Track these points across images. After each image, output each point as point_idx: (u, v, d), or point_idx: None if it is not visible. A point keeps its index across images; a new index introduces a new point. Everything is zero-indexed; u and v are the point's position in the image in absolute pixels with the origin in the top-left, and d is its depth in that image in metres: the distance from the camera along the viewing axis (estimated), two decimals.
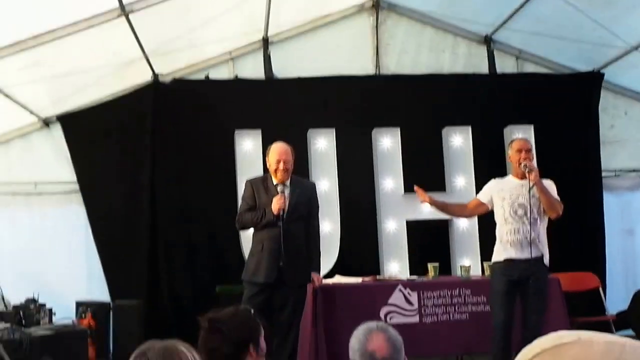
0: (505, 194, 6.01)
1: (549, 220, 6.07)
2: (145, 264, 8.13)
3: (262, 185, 6.13)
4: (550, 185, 6.08)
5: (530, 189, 5.89)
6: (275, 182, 6.08)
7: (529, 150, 6.07)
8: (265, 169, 6.55)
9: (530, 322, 5.83)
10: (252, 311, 3.37)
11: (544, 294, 5.96)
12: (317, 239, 6.25)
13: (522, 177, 5.98)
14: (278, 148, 6.09)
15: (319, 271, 6.31)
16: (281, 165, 6.01)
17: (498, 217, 6.08)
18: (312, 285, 6.28)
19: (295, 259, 5.97)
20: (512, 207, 5.93)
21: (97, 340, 7.38)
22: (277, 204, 5.90)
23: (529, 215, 5.87)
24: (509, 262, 5.91)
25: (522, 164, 5.93)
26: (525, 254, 5.85)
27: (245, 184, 6.29)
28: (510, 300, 5.95)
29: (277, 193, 6.00)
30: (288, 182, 6.10)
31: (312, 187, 6.43)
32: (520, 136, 6.42)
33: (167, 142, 8.36)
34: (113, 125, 8.33)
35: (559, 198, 6.03)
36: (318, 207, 6.33)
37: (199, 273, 8.20)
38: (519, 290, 5.94)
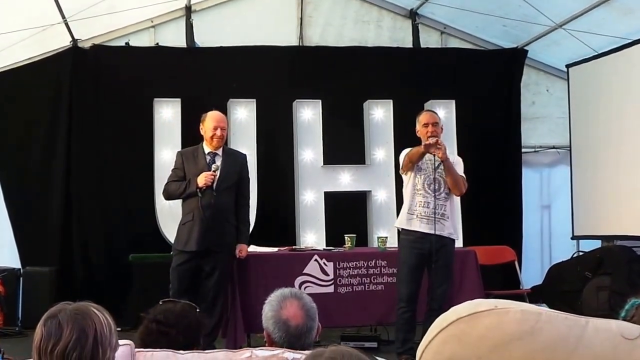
0: (422, 165, 5.94)
1: (467, 194, 6.11)
2: (58, 232, 8.03)
3: (191, 156, 6.20)
4: (458, 162, 6.07)
5: (437, 167, 5.86)
6: (207, 150, 6.14)
7: (435, 124, 5.95)
8: (189, 140, 6.58)
9: (436, 292, 5.87)
10: (198, 309, 3.27)
11: (451, 266, 6.02)
12: (246, 210, 6.39)
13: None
14: (215, 115, 6.20)
15: (246, 242, 6.40)
16: (218, 132, 6.11)
17: (409, 187, 6.01)
18: (238, 255, 6.29)
19: (223, 228, 6.10)
20: (427, 181, 5.89)
21: (6, 307, 7.34)
22: (203, 179, 5.95)
23: (441, 190, 5.88)
24: (420, 236, 5.88)
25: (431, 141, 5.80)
26: (436, 229, 5.82)
27: (176, 154, 6.39)
28: (419, 274, 5.97)
29: (207, 163, 6.08)
30: (220, 152, 6.16)
31: (243, 158, 6.49)
32: (427, 109, 6.26)
33: (85, 109, 8.22)
34: (30, 90, 8.17)
35: (464, 176, 6.02)
36: (249, 179, 6.45)
37: (112, 242, 8.10)
38: (427, 263, 5.96)
